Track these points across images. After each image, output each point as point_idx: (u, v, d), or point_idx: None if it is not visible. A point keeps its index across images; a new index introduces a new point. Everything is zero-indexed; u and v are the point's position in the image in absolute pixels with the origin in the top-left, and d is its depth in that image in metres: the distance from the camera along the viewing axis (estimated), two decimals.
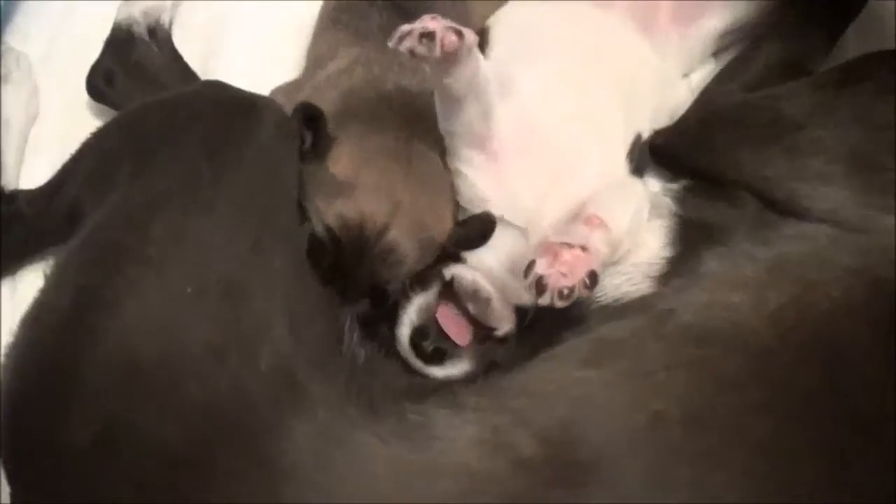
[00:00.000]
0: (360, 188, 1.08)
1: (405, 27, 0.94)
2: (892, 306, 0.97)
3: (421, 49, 0.92)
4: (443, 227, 1.11)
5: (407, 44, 0.93)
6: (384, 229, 1.07)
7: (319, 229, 1.07)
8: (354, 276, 1.08)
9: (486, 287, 1.06)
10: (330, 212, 1.07)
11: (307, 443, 0.87)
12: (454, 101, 1.05)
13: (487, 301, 1.05)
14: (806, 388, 0.92)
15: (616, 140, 1.15)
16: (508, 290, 1.07)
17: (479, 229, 1.10)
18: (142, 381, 0.89)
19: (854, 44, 1.28)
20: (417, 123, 1.14)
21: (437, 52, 0.93)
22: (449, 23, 0.95)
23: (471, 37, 0.96)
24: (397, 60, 1.20)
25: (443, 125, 1.10)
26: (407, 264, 1.09)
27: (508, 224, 1.09)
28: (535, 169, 1.09)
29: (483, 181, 1.10)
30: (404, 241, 1.08)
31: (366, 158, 1.10)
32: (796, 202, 1.07)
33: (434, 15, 0.95)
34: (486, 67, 1.03)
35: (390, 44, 0.94)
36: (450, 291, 1.07)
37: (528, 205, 1.09)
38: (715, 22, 1.27)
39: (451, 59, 0.96)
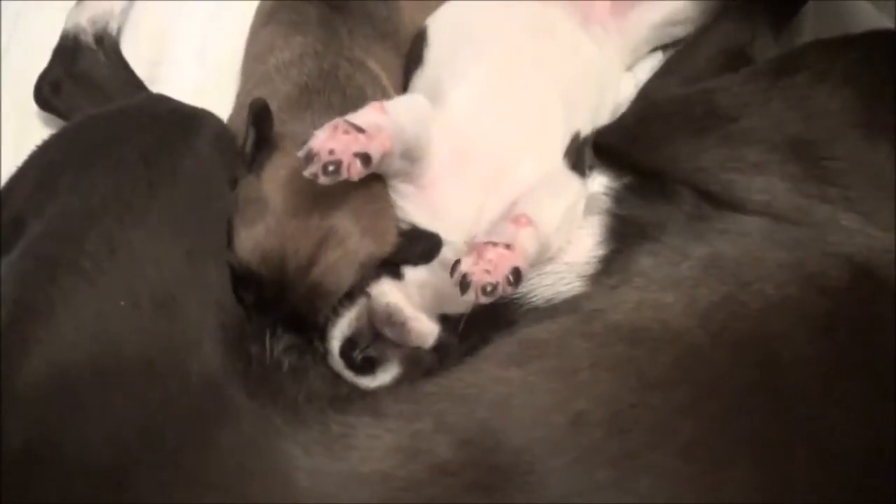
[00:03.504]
0: (284, 215, 1.01)
1: (314, 145, 0.90)
2: (827, 302, 0.96)
3: (325, 179, 0.91)
4: (383, 245, 1.07)
5: (312, 169, 0.91)
6: (310, 264, 1.01)
7: (236, 263, 1.02)
8: (277, 313, 1.03)
9: (401, 309, 1.05)
10: (249, 241, 1.02)
11: (231, 454, 0.88)
12: None
13: (402, 324, 1.05)
14: (736, 388, 0.91)
15: (553, 138, 1.14)
16: (440, 299, 1.06)
17: (423, 250, 1.08)
18: (72, 392, 0.89)
19: (810, 35, 1.28)
20: None
21: (344, 177, 0.91)
22: (361, 141, 0.92)
23: (379, 152, 0.94)
24: (344, 56, 1.19)
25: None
26: (338, 294, 1.05)
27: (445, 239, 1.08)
28: (468, 186, 1.09)
29: (418, 211, 1.09)
30: (335, 274, 1.03)
31: (305, 178, 1.00)
32: (731, 193, 1.05)
33: (347, 126, 0.92)
34: (412, 126, 1.01)
35: (299, 153, 0.91)
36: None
37: (464, 221, 1.08)
38: (652, 14, 1.26)
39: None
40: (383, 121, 0.96)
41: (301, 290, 1.02)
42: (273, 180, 1.04)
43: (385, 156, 0.96)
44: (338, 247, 1.02)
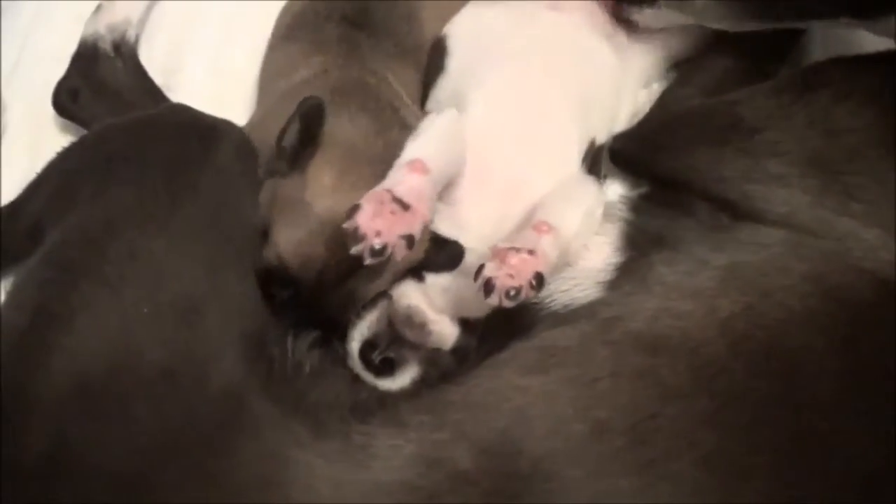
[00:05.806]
0: (328, 221, 0.99)
1: (361, 224, 0.91)
2: (849, 315, 0.96)
3: (371, 261, 0.91)
4: (418, 253, 1.05)
5: (358, 249, 0.91)
6: (349, 271, 1.01)
7: (274, 262, 1.02)
8: (307, 314, 1.03)
9: (422, 311, 1.06)
10: (290, 243, 1.01)
11: (252, 463, 0.88)
12: None
13: (422, 325, 1.06)
14: (756, 398, 0.91)
15: (569, 146, 1.14)
16: (460, 303, 1.07)
17: (447, 258, 1.07)
18: (92, 399, 0.90)
19: (818, 50, 1.28)
20: (402, 133, 1.08)
21: (387, 256, 0.92)
22: (406, 221, 0.92)
23: (421, 226, 0.94)
24: (368, 69, 1.18)
25: None
26: (367, 299, 1.05)
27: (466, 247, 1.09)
28: (488, 196, 1.09)
29: (442, 223, 1.09)
30: (372, 282, 1.03)
31: (349, 181, 1.02)
32: (752, 204, 1.06)
33: (392, 205, 0.92)
34: (451, 163, 1.03)
35: (344, 226, 0.91)
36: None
37: (485, 230, 1.09)
38: (672, 42, 1.27)
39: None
40: (425, 185, 0.97)
41: (336, 295, 1.03)
42: (317, 182, 1.03)
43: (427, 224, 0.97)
44: None
